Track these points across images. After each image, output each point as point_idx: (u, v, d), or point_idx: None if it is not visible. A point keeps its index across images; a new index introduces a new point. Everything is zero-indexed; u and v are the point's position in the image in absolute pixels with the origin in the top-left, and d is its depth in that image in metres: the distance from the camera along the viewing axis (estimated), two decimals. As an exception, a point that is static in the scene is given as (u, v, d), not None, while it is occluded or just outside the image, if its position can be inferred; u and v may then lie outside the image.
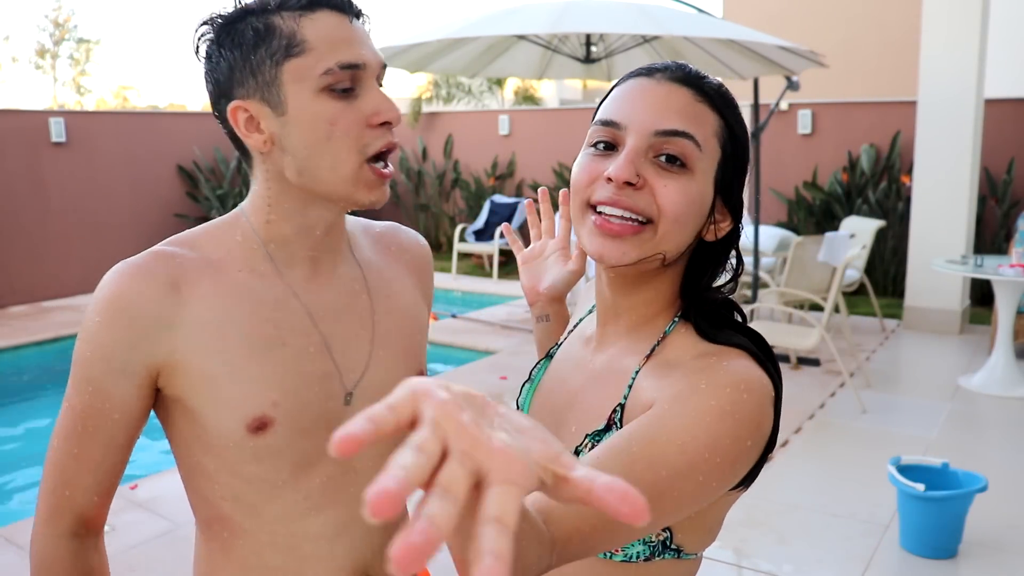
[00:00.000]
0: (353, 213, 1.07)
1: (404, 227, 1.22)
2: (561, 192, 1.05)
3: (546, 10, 4.44)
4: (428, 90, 11.26)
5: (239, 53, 0.91)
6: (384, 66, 0.97)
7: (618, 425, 0.88)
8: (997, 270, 4.75)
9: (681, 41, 5.33)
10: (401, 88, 20.69)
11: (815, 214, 7.68)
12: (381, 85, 0.96)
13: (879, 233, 7.07)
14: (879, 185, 7.42)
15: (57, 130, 7.72)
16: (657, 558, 0.88)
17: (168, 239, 0.98)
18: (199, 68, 0.97)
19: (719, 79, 0.91)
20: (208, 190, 8.74)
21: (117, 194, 8.25)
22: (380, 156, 0.94)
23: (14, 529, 3.24)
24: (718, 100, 0.89)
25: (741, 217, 0.92)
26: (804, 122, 7.84)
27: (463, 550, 0.54)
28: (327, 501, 1.00)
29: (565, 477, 0.46)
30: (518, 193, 9.76)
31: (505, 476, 0.42)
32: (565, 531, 0.74)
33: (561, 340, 1.08)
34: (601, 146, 0.89)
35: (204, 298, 0.94)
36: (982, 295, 6.83)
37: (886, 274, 7.40)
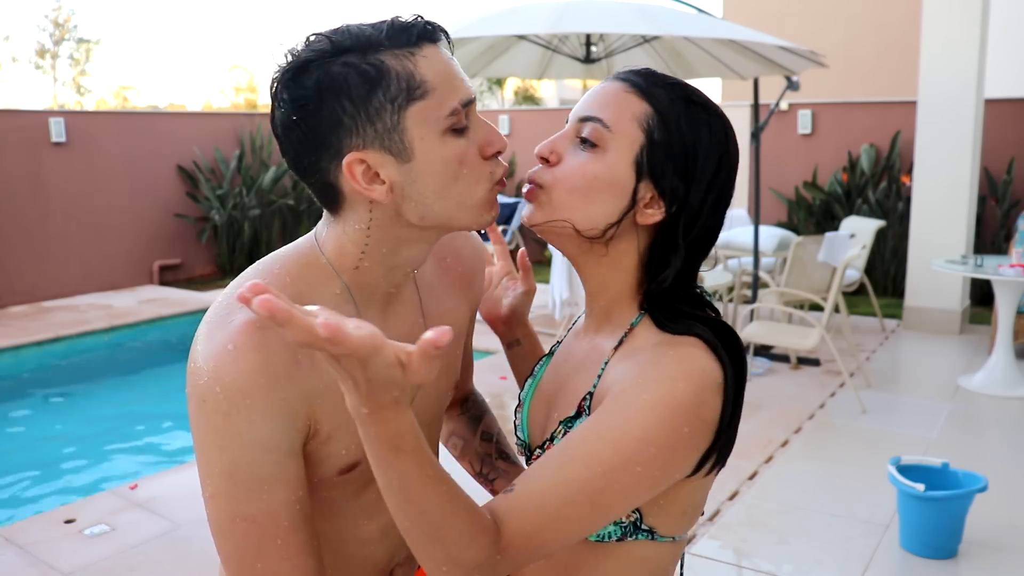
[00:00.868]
0: None
1: (460, 232, 1.16)
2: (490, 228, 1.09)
3: (546, 10, 4.44)
4: (428, 90, 11.25)
5: (348, 101, 0.82)
6: None
7: (587, 412, 0.93)
8: (997, 270, 4.75)
9: (681, 41, 5.32)
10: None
11: (815, 214, 7.68)
12: None
13: (879, 233, 7.07)
14: (879, 185, 7.42)
15: (57, 130, 7.72)
16: (629, 539, 0.92)
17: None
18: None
19: (679, 79, 0.96)
20: (208, 190, 8.74)
21: (117, 194, 8.25)
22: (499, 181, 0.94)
23: (14, 529, 3.24)
24: (650, 90, 0.93)
25: (687, 206, 0.93)
26: (804, 122, 7.84)
27: None
28: (377, 510, 1.01)
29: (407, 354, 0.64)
30: (518, 193, 9.76)
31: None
32: (511, 530, 0.81)
33: (564, 335, 1.12)
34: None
35: (313, 362, 0.86)
36: (982, 295, 6.83)
37: (886, 274, 7.40)
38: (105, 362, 6.27)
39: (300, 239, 0.96)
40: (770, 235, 6.10)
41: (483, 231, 1.24)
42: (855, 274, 6.05)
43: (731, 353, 0.90)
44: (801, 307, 5.74)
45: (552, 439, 0.96)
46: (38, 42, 37.65)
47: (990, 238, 6.99)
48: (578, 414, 0.94)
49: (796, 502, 3.40)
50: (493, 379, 5.11)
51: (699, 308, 0.95)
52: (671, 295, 0.95)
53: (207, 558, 3.00)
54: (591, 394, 0.93)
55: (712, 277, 5.07)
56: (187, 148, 8.83)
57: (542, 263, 9.33)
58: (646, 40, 5.29)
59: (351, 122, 0.83)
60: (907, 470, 3.04)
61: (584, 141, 0.93)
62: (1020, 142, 6.97)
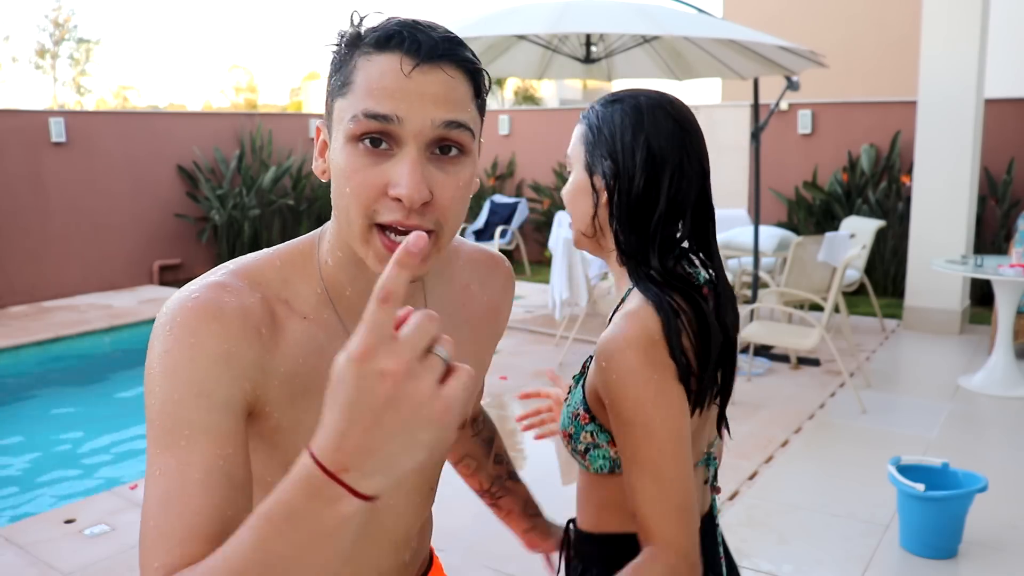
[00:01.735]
0: None
1: (495, 254, 1.12)
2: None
3: (546, 10, 4.44)
4: (428, 90, 11.26)
5: (331, 79, 0.86)
6: (456, 126, 0.82)
7: (586, 371, 1.18)
8: (997, 270, 4.75)
9: (681, 41, 5.32)
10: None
11: (815, 214, 7.68)
12: (449, 151, 0.83)
13: (879, 233, 7.07)
14: (879, 185, 7.42)
15: (57, 130, 7.72)
16: (618, 471, 1.15)
17: (230, 271, 0.86)
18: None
19: (620, 94, 1.19)
20: (208, 190, 8.74)
21: (117, 194, 8.26)
22: (390, 227, 0.81)
23: (14, 529, 3.24)
24: (587, 113, 1.21)
25: (619, 176, 1.15)
26: (804, 122, 7.84)
27: None
28: (362, 530, 1.00)
29: None
30: (518, 193, 9.76)
31: None
32: (665, 539, 1.06)
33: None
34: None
35: (277, 346, 0.85)
36: (982, 295, 6.83)
37: (886, 274, 7.40)
38: (105, 362, 6.27)
39: (312, 231, 0.95)
40: (770, 235, 6.11)
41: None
42: (855, 274, 6.05)
43: (688, 303, 1.11)
44: (801, 307, 5.74)
45: (569, 392, 1.21)
46: (38, 42, 37.66)
47: (990, 238, 6.99)
48: (582, 372, 1.19)
49: (796, 502, 3.40)
50: (493, 379, 5.11)
51: (673, 273, 1.14)
52: (646, 264, 1.14)
53: (207, 558, 3.00)
54: (591, 357, 1.16)
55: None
56: (187, 148, 8.83)
57: (542, 263, 9.34)
58: (646, 40, 5.29)
59: (327, 98, 0.87)
60: (907, 470, 3.04)
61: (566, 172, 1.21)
62: (1020, 142, 6.97)
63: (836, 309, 5.06)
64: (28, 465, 4.38)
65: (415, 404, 0.58)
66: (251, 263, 0.89)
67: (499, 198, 9.30)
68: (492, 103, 12.37)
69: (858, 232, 6.10)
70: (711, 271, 1.18)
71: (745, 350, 5.04)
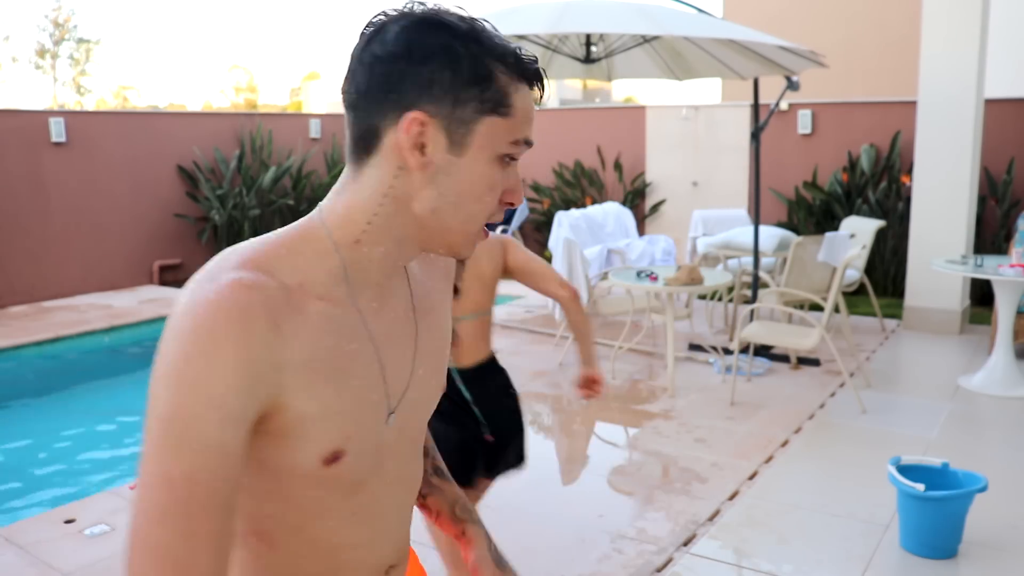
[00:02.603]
0: None
1: None
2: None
3: (546, 10, 4.43)
4: (428, 90, 11.27)
5: (450, 74, 0.87)
6: None
7: None
8: (997, 270, 4.75)
9: (681, 41, 5.33)
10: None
11: (815, 214, 7.68)
12: None
13: (879, 233, 7.07)
14: (879, 185, 7.42)
15: (57, 130, 7.72)
16: None
17: (240, 262, 0.86)
18: (348, 37, 0.88)
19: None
20: (208, 190, 8.74)
21: (117, 194, 8.26)
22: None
23: (14, 529, 3.24)
24: None
25: None
26: (804, 122, 7.84)
27: None
28: (370, 514, 1.01)
29: None
30: (518, 193, 9.75)
31: None
32: None
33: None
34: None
35: (296, 335, 0.86)
36: (982, 295, 6.83)
37: (886, 274, 7.40)
38: (105, 362, 6.27)
39: (305, 216, 0.95)
40: (770, 235, 6.11)
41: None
42: (855, 274, 6.05)
43: None
44: (801, 307, 5.74)
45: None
46: (38, 42, 37.65)
47: (990, 238, 6.99)
48: None
49: (796, 502, 3.40)
50: (493, 379, 5.11)
51: None
52: None
53: (207, 558, 3.00)
54: None
55: (712, 277, 5.07)
56: (187, 148, 8.83)
57: (542, 263, 9.33)
58: (646, 40, 5.29)
59: (439, 91, 0.87)
60: (907, 470, 3.04)
61: None
62: (1020, 142, 6.97)
63: (836, 309, 5.06)
64: (28, 465, 4.38)
65: None
66: (258, 251, 0.88)
67: (499, 198, 9.30)
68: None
69: (858, 232, 6.10)
70: None
71: (745, 350, 5.04)
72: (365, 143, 0.90)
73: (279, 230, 0.94)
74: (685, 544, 3.04)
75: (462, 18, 0.90)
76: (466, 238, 0.94)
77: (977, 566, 2.90)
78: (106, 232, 8.17)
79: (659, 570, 2.87)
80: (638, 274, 5.18)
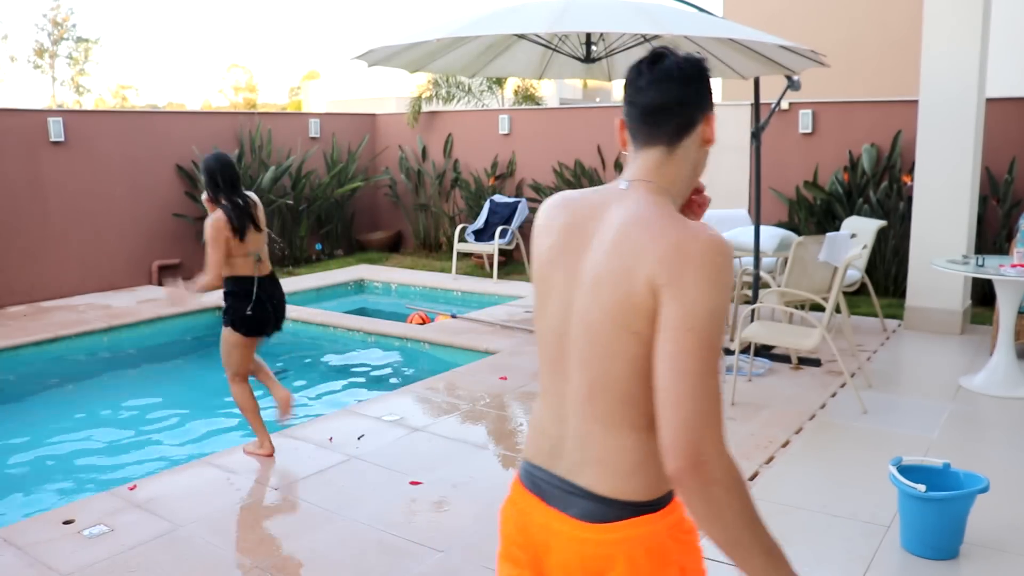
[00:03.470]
0: None
1: None
2: None
3: (546, 9, 4.42)
4: (428, 89, 11.24)
5: (710, 93, 1.37)
6: None
7: None
8: (998, 270, 4.74)
9: (681, 40, 5.30)
10: (401, 87, 20.68)
11: (816, 214, 7.67)
12: None
13: (880, 233, 7.06)
14: (880, 185, 7.41)
15: (55, 130, 7.71)
16: None
17: (700, 224, 1.26)
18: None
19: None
20: (208, 190, 8.72)
21: (116, 194, 8.24)
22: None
23: (13, 530, 3.23)
24: None
25: None
26: (805, 121, 7.83)
27: None
28: None
29: None
30: (518, 193, 9.75)
31: None
32: None
33: None
34: None
35: None
36: (983, 295, 6.81)
37: (887, 274, 7.39)
38: (104, 362, 6.26)
39: (650, 202, 1.31)
40: (771, 235, 6.09)
41: None
42: (856, 274, 6.04)
43: None
44: (802, 307, 5.73)
45: None
46: (37, 41, 37.63)
47: (991, 238, 6.98)
48: None
49: (797, 502, 3.39)
50: (493, 379, 5.10)
51: None
52: None
53: (206, 558, 2.99)
54: None
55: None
56: (186, 148, 8.82)
57: (542, 263, 9.31)
58: (646, 39, 5.28)
59: (710, 103, 1.38)
60: (908, 471, 3.03)
61: None
62: (1022, 141, 6.96)
63: (837, 309, 5.05)
64: (27, 465, 4.37)
65: None
66: (686, 219, 1.31)
67: (499, 198, 9.29)
68: (492, 103, 12.35)
69: (859, 232, 6.08)
70: None
71: (746, 350, 5.03)
72: (681, 131, 1.33)
73: (661, 208, 1.29)
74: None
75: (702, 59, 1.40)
76: (683, 201, 1.42)
77: (978, 567, 2.89)
78: (105, 232, 8.16)
79: (660, 571, 2.85)
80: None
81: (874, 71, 11.77)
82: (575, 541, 1.29)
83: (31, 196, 7.59)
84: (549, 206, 1.41)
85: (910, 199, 6.92)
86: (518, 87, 12.18)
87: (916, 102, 6.31)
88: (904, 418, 4.36)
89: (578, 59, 5.46)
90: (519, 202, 9.07)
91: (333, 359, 6.33)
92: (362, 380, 5.87)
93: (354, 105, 20.03)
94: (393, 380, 5.78)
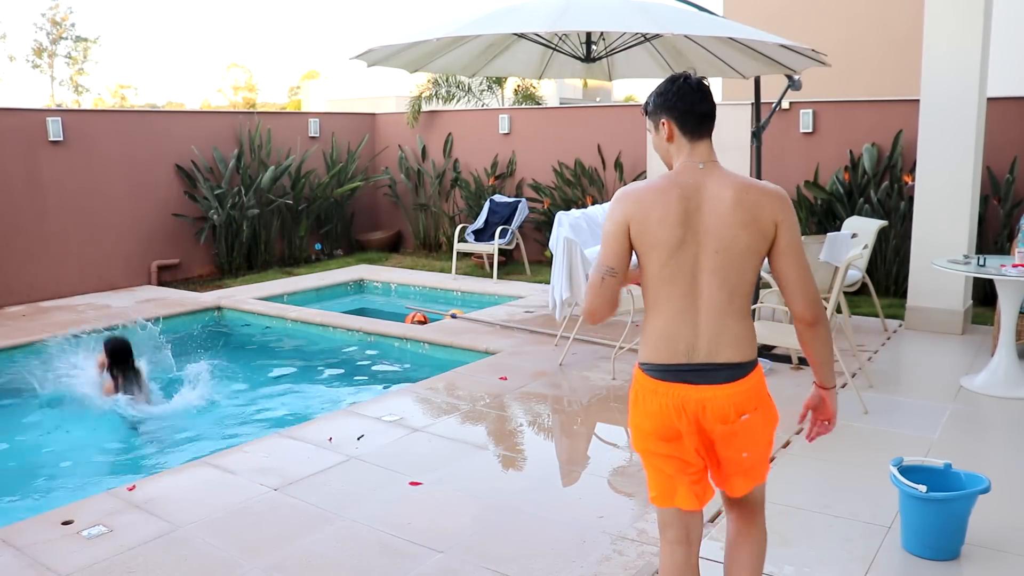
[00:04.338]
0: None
1: None
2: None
3: (546, 8, 4.40)
4: (428, 89, 11.22)
5: None
6: None
7: None
8: (1000, 270, 4.73)
9: (682, 40, 5.30)
10: (401, 87, 20.66)
11: (817, 214, 7.66)
12: None
13: (881, 233, 7.05)
14: (881, 184, 7.40)
15: (54, 129, 7.70)
16: None
17: (766, 183, 1.97)
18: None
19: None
20: (206, 190, 8.72)
21: (115, 194, 8.24)
22: None
23: (12, 530, 3.22)
24: None
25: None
26: (806, 121, 7.82)
27: None
28: None
29: None
30: (518, 193, 9.74)
31: None
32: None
33: None
34: None
35: None
36: (984, 295, 6.80)
37: (888, 274, 7.38)
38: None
39: (730, 173, 2.00)
40: (771, 235, 6.07)
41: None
42: (857, 274, 6.03)
43: None
44: (802, 307, 5.70)
45: None
46: (35, 41, 37.63)
47: (993, 238, 6.97)
48: None
49: (798, 503, 3.38)
50: (493, 379, 5.09)
51: None
52: None
53: (205, 559, 2.98)
54: None
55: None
56: (185, 147, 8.81)
57: (542, 263, 9.31)
58: (646, 39, 5.26)
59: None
60: (909, 471, 3.02)
61: None
62: (1023, 141, 6.95)
63: (838, 309, 5.04)
64: (26, 466, 4.36)
65: None
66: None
67: (499, 198, 9.28)
68: (492, 102, 12.35)
69: (860, 232, 6.08)
70: None
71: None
72: (712, 128, 1.98)
73: (739, 176, 1.99)
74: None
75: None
76: None
77: (980, 567, 2.88)
78: (104, 232, 8.15)
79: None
80: (639, 274, 5.15)
81: (875, 71, 11.76)
82: (725, 396, 1.97)
83: (30, 196, 7.58)
84: (646, 191, 1.98)
85: (911, 199, 6.91)
86: (518, 86, 12.17)
87: (917, 102, 6.30)
88: (905, 418, 4.35)
89: (578, 58, 5.44)
90: (519, 202, 9.06)
91: (333, 359, 6.33)
92: (362, 380, 5.87)
93: (354, 105, 20.03)
94: (393, 380, 5.77)
